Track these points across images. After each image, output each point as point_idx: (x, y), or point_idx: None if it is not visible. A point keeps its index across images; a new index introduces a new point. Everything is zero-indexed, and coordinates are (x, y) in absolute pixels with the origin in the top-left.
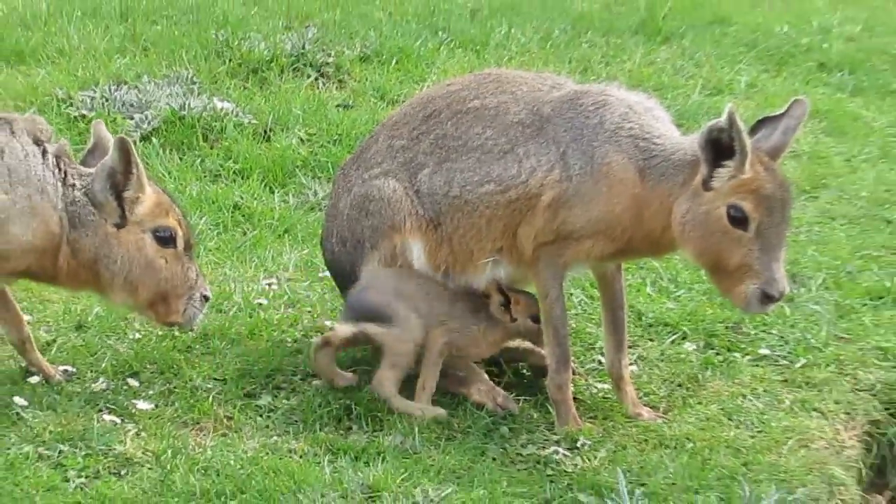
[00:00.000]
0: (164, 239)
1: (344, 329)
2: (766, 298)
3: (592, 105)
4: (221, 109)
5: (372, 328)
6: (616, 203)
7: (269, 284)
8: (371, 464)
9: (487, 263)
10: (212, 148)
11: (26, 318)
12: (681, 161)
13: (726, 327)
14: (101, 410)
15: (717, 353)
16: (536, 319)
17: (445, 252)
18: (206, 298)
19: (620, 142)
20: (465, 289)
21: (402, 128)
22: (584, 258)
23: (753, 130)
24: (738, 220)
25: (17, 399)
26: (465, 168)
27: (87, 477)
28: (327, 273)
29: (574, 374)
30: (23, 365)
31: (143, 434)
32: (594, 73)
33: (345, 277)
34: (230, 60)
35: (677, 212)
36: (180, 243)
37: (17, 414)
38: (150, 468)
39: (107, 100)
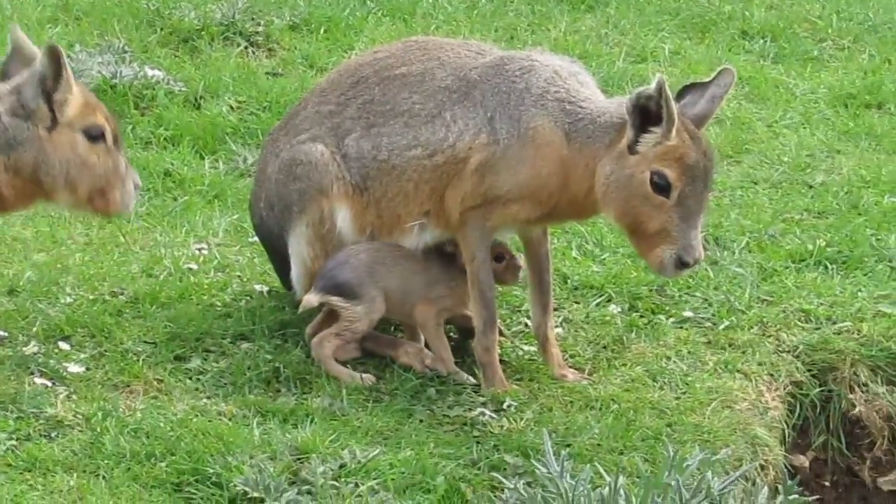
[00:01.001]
0: (95, 136)
1: (311, 299)
2: (681, 264)
3: (518, 70)
4: (152, 78)
5: (336, 300)
6: (542, 166)
7: (200, 249)
8: (299, 426)
9: (414, 227)
10: (143, 115)
11: None
12: (606, 124)
13: (651, 290)
14: (32, 374)
15: (642, 316)
16: (500, 258)
17: (372, 216)
18: (137, 186)
19: (547, 105)
20: (431, 249)
21: (329, 94)
22: (511, 222)
23: (679, 97)
24: (661, 186)
25: None
26: (392, 133)
27: (17, 440)
28: (256, 238)
29: (501, 336)
30: None
31: (73, 397)
32: (520, 41)
33: (273, 241)
34: (161, 30)
35: (601, 173)
36: (109, 138)
37: None
38: (80, 431)
39: None
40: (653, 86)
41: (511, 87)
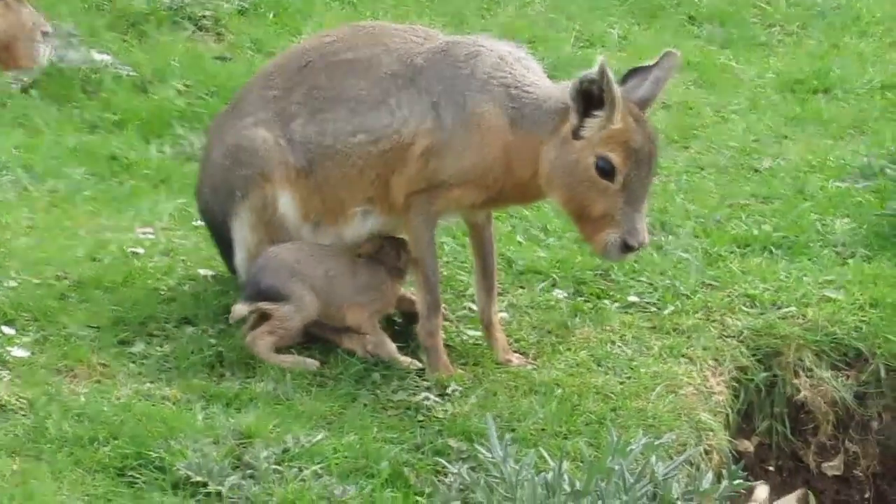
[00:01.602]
0: None
1: (240, 309)
2: (626, 248)
3: (464, 55)
4: (100, 62)
5: (266, 305)
6: (487, 152)
7: (145, 234)
8: (243, 410)
9: (357, 213)
10: (90, 100)
11: None
12: (551, 109)
13: (595, 275)
14: None
15: (587, 301)
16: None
17: (316, 202)
18: (46, 34)
19: (492, 91)
20: (354, 255)
21: (275, 78)
22: (456, 207)
23: (624, 80)
24: (606, 171)
25: None
26: (338, 118)
27: None
28: (202, 222)
29: (445, 320)
30: None
31: (17, 381)
32: (469, 26)
33: (217, 226)
34: (109, 13)
35: (545, 158)
36: None
37: None
38: (23, 415)
39: None
40: (595, 69)
41: (456, 72)
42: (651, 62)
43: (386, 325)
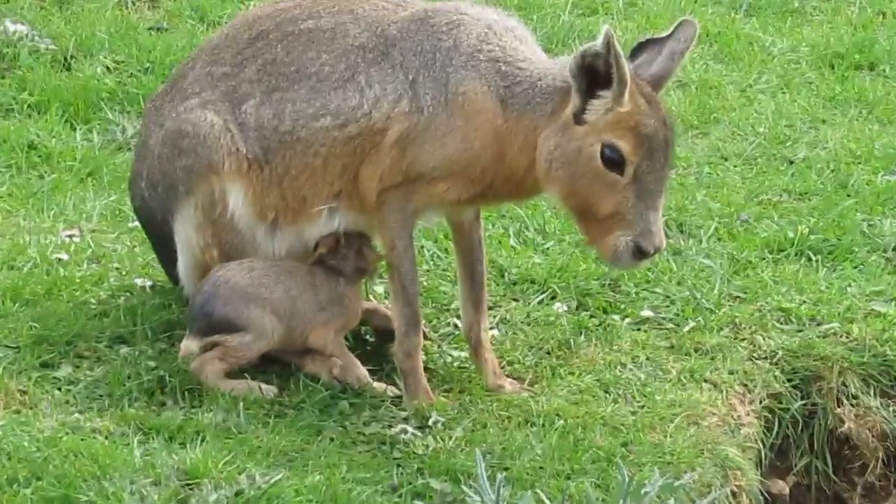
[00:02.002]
0: None
1: (189, 345)
2: (640, 253)
3: (446, 25)
4: (14, 33)
5: (220, 338)
6: (474, 138)
7: (71, 237)
8: (188, 445)
9: (323, 211)
10: (3, 77)
11: None
12: (549, 88)
13: (602, 285)
14: None
15: (592, 316)
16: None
17: (275, 198)
18: None
19: (479, 67)
20: (309, 266)
21: (223, 52)
22: (438, 203)
23: (634, 55)
24: (614, 161)
25: None
26: (297, 99)
27: None
28: (138, 223)
29: (425, 338)
30: None
31: None
32: None
33: (157, 227)
34: None
35: (543, 147)
36: None
37: None
38: None
39: None
40: (599, 41)
41: (436, 45)
42: (665, 33)
43: (355, 345)
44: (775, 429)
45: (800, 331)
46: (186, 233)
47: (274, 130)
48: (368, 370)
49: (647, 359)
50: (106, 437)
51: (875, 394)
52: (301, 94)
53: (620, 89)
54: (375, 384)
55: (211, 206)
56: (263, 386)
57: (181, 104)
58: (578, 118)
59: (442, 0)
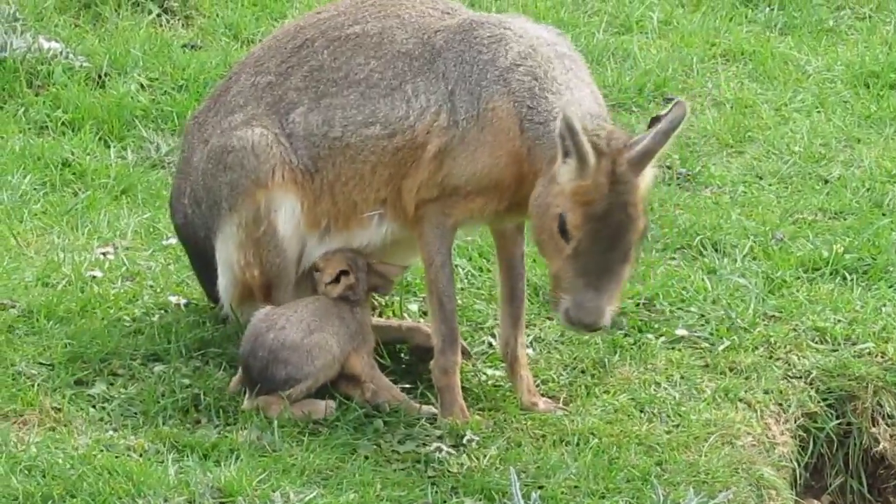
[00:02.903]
0: None
1: (254, 404)
2: (569, 321)
3: (488, 38)
4: (49, 50)
5: (284, 394)
6: (500, 154)
7: (105, 254)
8: (222, 463)
9: (373, 217)
10: (37, 95)
11: None
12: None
13: (637, 304)
14: None
15: (627, 335)
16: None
17: (327, 204)
18: None
19: (511, 84)
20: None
21: (267, 62)
22: (477, 217)
23: (650, 125)
24: (562, 230)
25: None
26: (347, 105)
27: None
28: (172, 240)
29: (463, 356)
30: None
31: None
32: (481, 6)
33: (198, 244)
34: None
35: (534, 192)
36: None
37: None
38: None
39: None
40: (559, 123)
41: (476, 57)
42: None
43: (392, 363)
44: (810, 448)
45: (835, 350)
46: (227, 251)
47: (324, 137)
48: (403, 389)
49: (682, 378)
50: (140, 455)
51: None
52: (350, 99)
53: (580, 165)
54: (413, 404)
55: (255, 224)
56: (330, 403)
57: (225, 119)
58: (557, 177)
59: (490, 13)
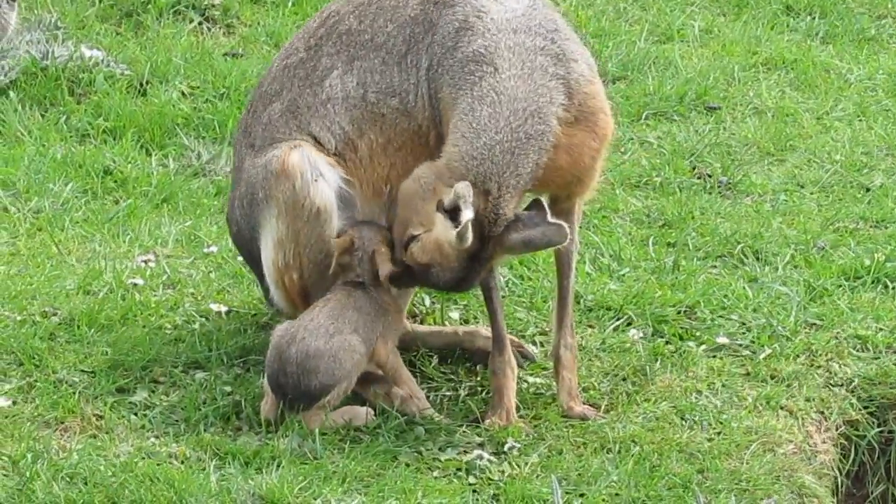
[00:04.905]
0: None
1: (295, 418)
2: None
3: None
4: (90, 58)
5: (320, 403)
6: None
7: (146, 262)
8: (264, 470)
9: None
10: (79, 103)
11: None
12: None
13: (678, 312)
14: None
15: (668, 342)
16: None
17: (383, 167)
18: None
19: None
20: (346, 291)
21: (295, 43)
22: None
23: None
24: (405, 245)
25: None
26: (374, 69)
27: None
28: (213, 248)
29: (527, 360)
30: None
31: None
32: None
33: (252, 251)
34: (100, 2)
35: (418, 171)
36: None
37: None
38: (5, 475)
39: None
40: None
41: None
42: (548, 215)
43: (435, 368)
44: (852, 456)
45: (876, 358)
46: (268, 250)
47: (361, 100)
48: (445, 396)
49: (723, 386)
50: (182, 463)
51: None
52: (376, 64)
53: (458, 241)
54: (417, 403)
55: (293, 206)
56: (370, 410)
57: (264, 112)
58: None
59: None
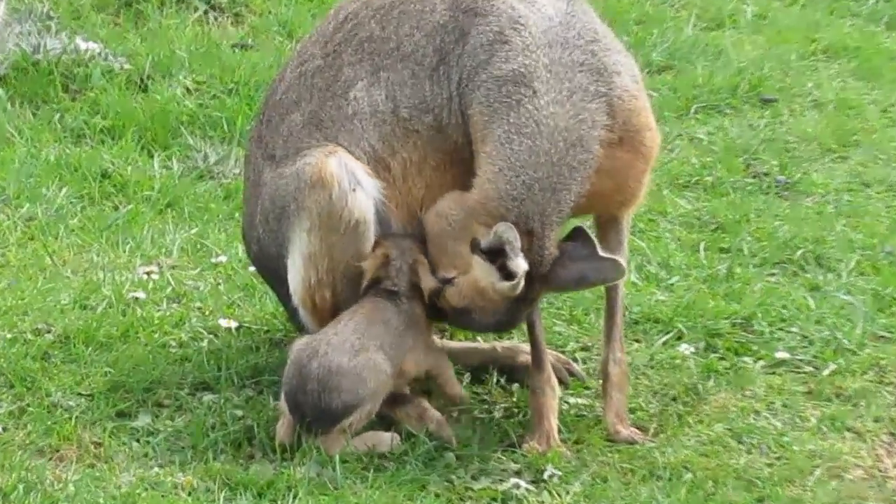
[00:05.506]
0: None
1: (315, 443)
2: None
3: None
4: (86, 52)
5: (343, 424)
6: None
7: (148, 273)
8: (279, 501)
9: None
10: (74, 100)
11: None
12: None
13: (733, 324)
14: None
15: (722, 358)
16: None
17: (419, 188)
18: None
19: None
20: (372, 303)
21: (311, 48)
22: None
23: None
24: (437, 292)
25: None
26: (403, 81)
27: None
28: (222, 258)
29: (572, 375)
30: None
31: None
32: None
33: (277, 271)
34: None
35: (442, 205)
36: None
37: None
38: None
39: None
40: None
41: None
42: (598, 248)
43: (472, 387)
44: None
45: None
46: (296, 267)
47: (392, 115)
48: (478, 418)
49: (784, 405)
50: (189, 494)
51: None
52: (405, 76)
53: (508, 289)
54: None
55: (329, 217)
56: (396, 435)
57: (282, 123)
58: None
59: None
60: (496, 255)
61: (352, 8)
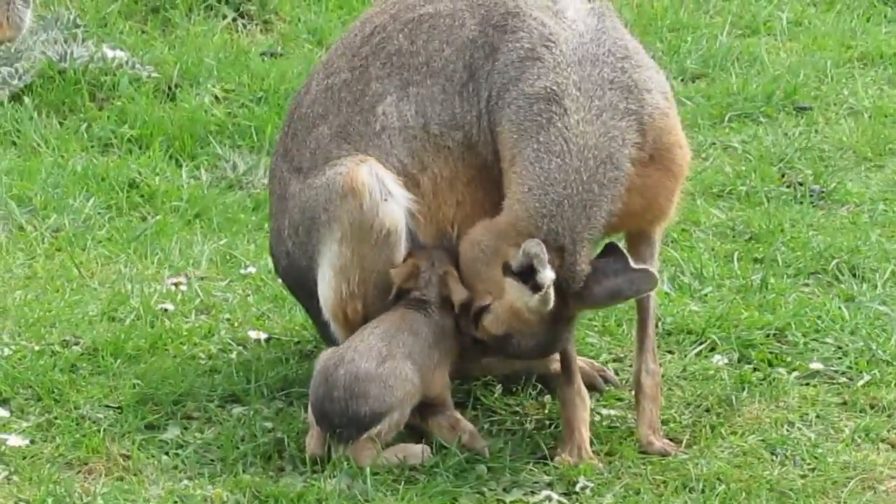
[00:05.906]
0: None
1: (343, 452)
2: None
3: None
4: (113, 60)
5: (370, 433)
6: None
7: (177, 285)
8: None
9: None
10: (101, 109)
11: None
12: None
13: (767, 335)
14: None
15: (756, 369)
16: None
17: (449, 207)
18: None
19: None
20: (400, 312)
21: (337, 61)
22: None
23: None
24: (476, 317)
25: None
26: (433, 97)
27: None
28: (251, 269)
29: (607, 382)
30: None
31: (14, 479)
32: None
33: (307, 284)
34: None
35: (476, 233)
36: None
37: None
38: None
39: None
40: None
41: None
42: (629, 263)
43: (498, 401)
44: None
45: None
46: (326, 280)
47: (423, 131)
48: (510, 431)
49: (818, 416)
50: None
51: None
52: (435, 92)
53: (540, 305)
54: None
55: (360, 229)
56: (427, 447)
57: (309, 135)
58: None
59: None
60: (528, 275)
61: (379, 21)
